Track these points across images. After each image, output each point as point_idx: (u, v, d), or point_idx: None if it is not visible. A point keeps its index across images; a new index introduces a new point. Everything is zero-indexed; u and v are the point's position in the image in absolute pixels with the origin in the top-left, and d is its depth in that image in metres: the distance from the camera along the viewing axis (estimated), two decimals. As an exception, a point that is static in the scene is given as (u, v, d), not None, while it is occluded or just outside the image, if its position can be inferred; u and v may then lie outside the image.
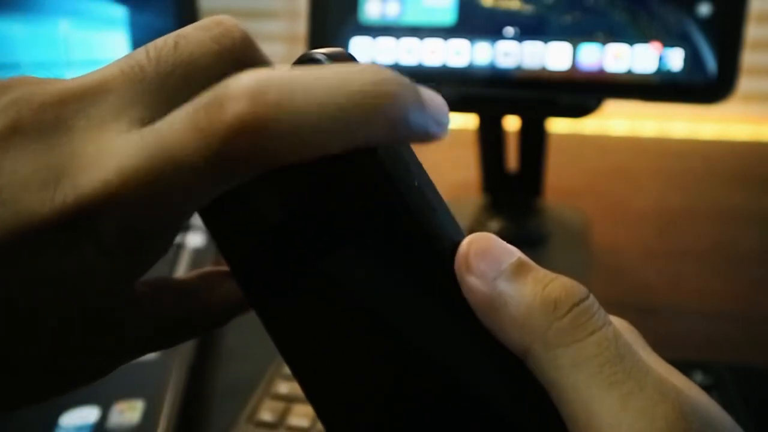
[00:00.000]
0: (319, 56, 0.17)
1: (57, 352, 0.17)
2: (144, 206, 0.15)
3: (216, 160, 0.14)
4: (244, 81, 0.14)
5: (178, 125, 0.15)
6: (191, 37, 0.17)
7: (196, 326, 0.20)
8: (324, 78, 0.14)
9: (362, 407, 0.19)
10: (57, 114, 0.16)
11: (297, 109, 0.14)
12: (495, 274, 0.17)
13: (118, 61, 0.17)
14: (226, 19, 0.17)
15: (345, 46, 0.56)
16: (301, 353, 0.20)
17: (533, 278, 0.17)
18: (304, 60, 0.18)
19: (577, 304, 0.16)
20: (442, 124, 0.16)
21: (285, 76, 0.14)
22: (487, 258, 0.17)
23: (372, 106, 0.15)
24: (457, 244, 0.18)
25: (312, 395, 0.19)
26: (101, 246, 0.15)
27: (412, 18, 0.54)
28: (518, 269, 0.17)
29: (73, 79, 0.16)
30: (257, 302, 0.20)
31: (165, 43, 0.17)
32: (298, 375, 0.20)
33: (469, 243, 0.17)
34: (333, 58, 0.17)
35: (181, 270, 0.51)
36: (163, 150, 0.15)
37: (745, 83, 0.50)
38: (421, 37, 0.54)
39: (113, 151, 0.15)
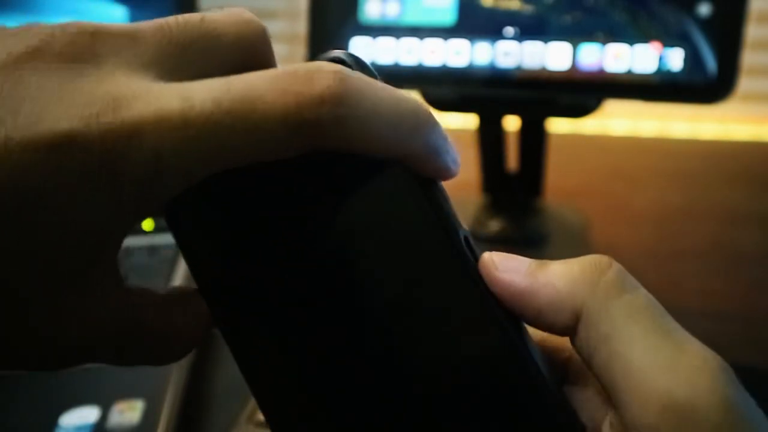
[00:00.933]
0: (345, 57, 0.18)
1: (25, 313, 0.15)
2: (195, 151, 0.15)
3: (294, 123, 0.15)
4: (332, 65, 0.16)
5: (262, 83, 0.15)
6: (217, 18, 0.18)
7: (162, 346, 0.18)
8: (386, 90, 0.17)
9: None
10: (90, 45, 0.16)
11: (369, 103, 0.16)
12: (525, 268, 0.18)
13: (150, 21, 0.17)
14: (249, 13, 0.18)
15: (345, 46, 0.56)
16: (279, 384, 0.18)
17: (561, 261, 0.18)
18: (330, 58, 0.18)
19: (613, 264, 0.18)
20: (457, 163, 0.18)
21: (359, 75, 0.16)
22: (512, 258, 0.18)
23: (418, 126, 0.17)
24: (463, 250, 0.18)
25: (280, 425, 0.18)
26: (117, 180, 0.15)
27: (412, 18, 0.54)
28: (543, 262, 0.18)
29: (108, 23, 0.17)
30: (227, 319, 0.19)
31: (192, 16, 0.17)
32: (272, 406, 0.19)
33: (489, 254, 0.18)
34: (356, 61, 0.18)
35: (181, 271, 0.51)
36: (243, 99, 0.15)
37: (745, 83, 0.50)
38: (421, 37, 0.54)
39: (167, 91, 0.15)
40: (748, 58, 0.52)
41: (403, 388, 0.18)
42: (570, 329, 0.17)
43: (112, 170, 0.15)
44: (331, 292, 0.18)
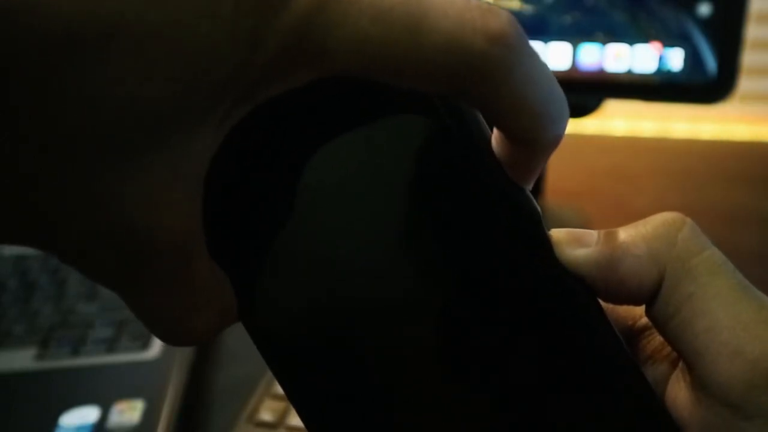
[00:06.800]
0: None
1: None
2: (344, 32, 0.14)
3: (459, 49, 0.14)
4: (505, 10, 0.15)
5: (449, 6, 0.14)
6: None
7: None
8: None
9: None
10: None
11: (538, 63, 0.15)
12: (594, 239, 0.17)
13: None
14: None
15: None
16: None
17: (630, 226, 0.18)
18: None
19: (687, 220, 0.17)
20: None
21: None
22: (579, 233, 0.18)
23: (564, 114, 0.16)
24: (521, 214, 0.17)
25: None
26: (259, 36, 0.13)
27: (412, 18, 0.54)
28: (610, 231, 0.18)
29: None
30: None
31: None
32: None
33: (556, 231, 0.18)
34: None
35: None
36: (421, 11, 0.14)
37: (745, 83, 0.50)
38: (421, 37, 0.54)
39: None
40: (748, 58, 0.52)
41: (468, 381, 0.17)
42: (650, 295, 0.17)
43: (254, 27, 0.13)
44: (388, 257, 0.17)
